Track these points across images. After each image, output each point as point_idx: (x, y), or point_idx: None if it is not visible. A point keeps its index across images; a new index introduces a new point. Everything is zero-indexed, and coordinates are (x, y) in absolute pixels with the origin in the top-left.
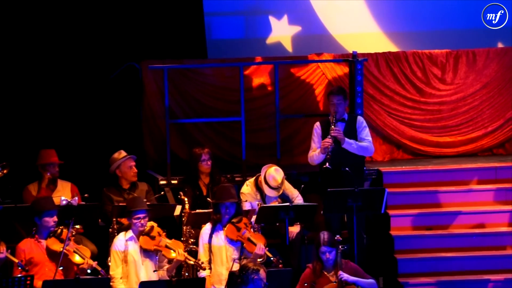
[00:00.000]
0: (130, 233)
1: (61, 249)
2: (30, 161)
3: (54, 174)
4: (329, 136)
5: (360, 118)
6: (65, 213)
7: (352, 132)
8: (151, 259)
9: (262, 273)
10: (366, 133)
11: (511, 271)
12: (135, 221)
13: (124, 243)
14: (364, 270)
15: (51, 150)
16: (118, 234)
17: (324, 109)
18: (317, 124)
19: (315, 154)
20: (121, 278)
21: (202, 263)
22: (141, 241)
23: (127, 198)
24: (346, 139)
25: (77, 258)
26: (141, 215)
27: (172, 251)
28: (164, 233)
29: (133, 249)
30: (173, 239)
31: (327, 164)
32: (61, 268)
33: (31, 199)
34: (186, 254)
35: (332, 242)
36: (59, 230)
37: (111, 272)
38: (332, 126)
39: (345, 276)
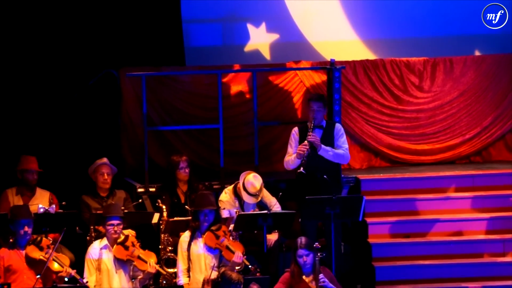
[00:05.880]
0: (104, 241)
1: (41, 256)
2: (7, 168)
3: (31, 181)
4: (306, 142)
5: (338, 126)
6: (43, 221)
7: (329, 139)
8: (125, 268)
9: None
10: (343, 141)
11: (488, 279)
12: (108, 227)
13: (98, 251)
14: (342, 278)
15: (32, 157)
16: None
17: (302, 117)
18: (295, 129)
19: (290, 159)
20: (94, 286)
21: (175, 275)
22: (115, 251)
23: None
24: (323, 146)
25: (56, 266)
26: (114, 222)
27: (144, 262)
28: (139, 244)
29: (107, 257)
30: (146, 250)
31: (302, 168)
32: (39, 276)
33: (7, 205)
34: (157, 266)
35: (309, 245)
36: (38, 238)
37: (84, 280)
38: (310, 132)
39: (327, 282)
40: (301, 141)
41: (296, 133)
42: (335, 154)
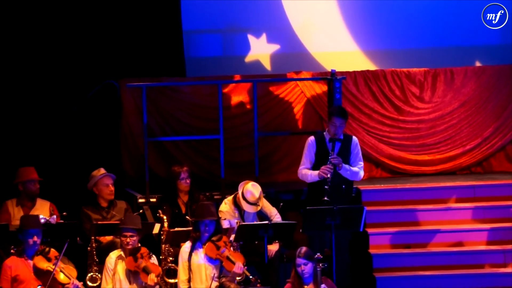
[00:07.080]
0: (120, 252)
1: (48, 267)
2: (7, 180)
3: (34, 192)
4: (329, 163)
5: (355, 140)
6: (44, 231)
7: (346, 152)
8: (138, 280)
9: None
10: (359, 157)
11: None
12: (122, 238)
13: (114, 261)
14: None
15: (31, 168)
16: (96, 252)
17: (303, 127)
18: (312, 139)
19: (310, 174)
20: None
21: (176, 285)
22: (127, 261)
23: (107, 217)
24: (344, 165)
25: (62, 277)
26: (127, 233)
27: (147, 274)
28: (148, 255)
29: (120, 268)
30: (152, 262)
31: (326, 197)
32: (39, 286)
33: (8, 216)
34: (157, 279)
35: (308, 255)
36: (47, 249)
37: None
38: (332, 152)
39: None
40: (317, 151)
41: (313, 144)
42: (352, 173)
